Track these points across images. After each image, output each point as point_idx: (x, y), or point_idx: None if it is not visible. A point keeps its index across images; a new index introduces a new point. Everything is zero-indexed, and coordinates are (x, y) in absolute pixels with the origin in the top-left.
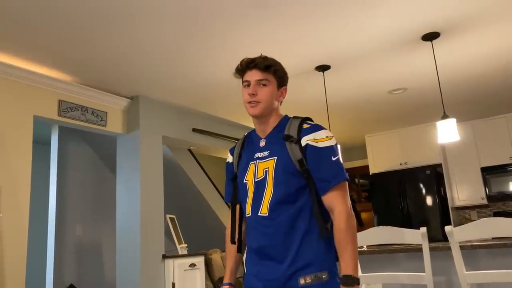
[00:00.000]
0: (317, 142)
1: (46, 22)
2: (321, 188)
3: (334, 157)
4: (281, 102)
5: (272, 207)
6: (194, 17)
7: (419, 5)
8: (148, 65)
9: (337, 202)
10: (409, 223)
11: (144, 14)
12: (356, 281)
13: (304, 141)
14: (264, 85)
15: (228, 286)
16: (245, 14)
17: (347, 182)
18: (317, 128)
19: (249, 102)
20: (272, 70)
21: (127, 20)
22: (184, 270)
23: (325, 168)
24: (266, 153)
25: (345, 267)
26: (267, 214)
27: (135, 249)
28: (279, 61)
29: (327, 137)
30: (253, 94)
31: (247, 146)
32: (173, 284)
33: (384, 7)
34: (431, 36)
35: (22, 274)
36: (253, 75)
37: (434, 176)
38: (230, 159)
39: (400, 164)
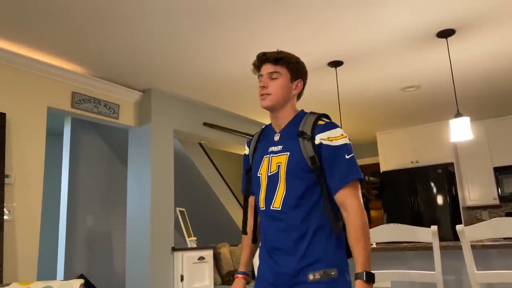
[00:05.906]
0: (331, 140)
1: (61, 14)
2: (334, 186)
3: (348, 155)
4: (298, 96)
5: (285, 201)
6: (208, 12)
7: (435, 1)
8: (161, 59)
9: (351, 199)
10: (420, 222)
11: (158, 7)
12: (371, 276)
13: (318, 139)
14: (275, 78)
15: (242, 275)
16: (258, 9)
17: (360, 181)
18: (331, 126)
19: (261, 95)
20: (284, 63)
21: (142, 13)
22: (193, 263)
23: (339, 166)
24: (280, 147)
25: (359, 264)
26: (279, 208)
27: (145, 241)
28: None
29: (341, 135)
30: (264, 87)
31: (263, 139)
32: (182, 277)
33: (399, 3)
34: (446, 33)
35: (34, 263)
36: (265, 69)
37: (446, 175)
38: (246, 151)
39: (412, 163)
